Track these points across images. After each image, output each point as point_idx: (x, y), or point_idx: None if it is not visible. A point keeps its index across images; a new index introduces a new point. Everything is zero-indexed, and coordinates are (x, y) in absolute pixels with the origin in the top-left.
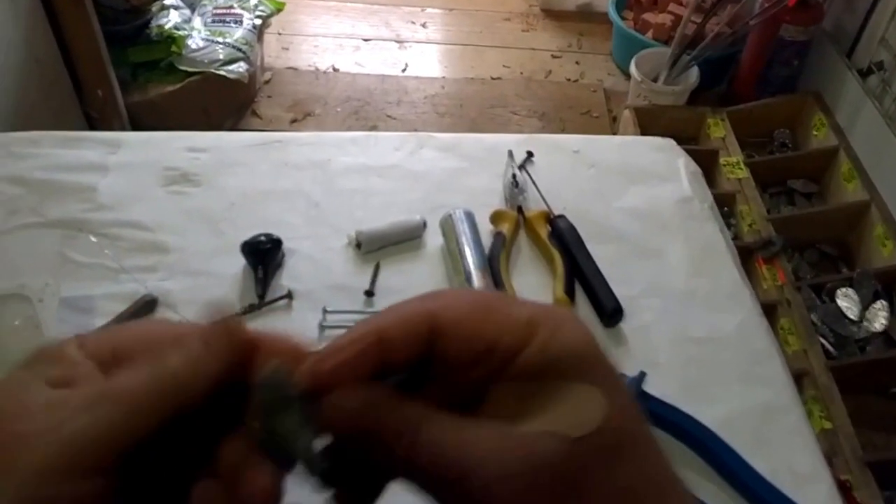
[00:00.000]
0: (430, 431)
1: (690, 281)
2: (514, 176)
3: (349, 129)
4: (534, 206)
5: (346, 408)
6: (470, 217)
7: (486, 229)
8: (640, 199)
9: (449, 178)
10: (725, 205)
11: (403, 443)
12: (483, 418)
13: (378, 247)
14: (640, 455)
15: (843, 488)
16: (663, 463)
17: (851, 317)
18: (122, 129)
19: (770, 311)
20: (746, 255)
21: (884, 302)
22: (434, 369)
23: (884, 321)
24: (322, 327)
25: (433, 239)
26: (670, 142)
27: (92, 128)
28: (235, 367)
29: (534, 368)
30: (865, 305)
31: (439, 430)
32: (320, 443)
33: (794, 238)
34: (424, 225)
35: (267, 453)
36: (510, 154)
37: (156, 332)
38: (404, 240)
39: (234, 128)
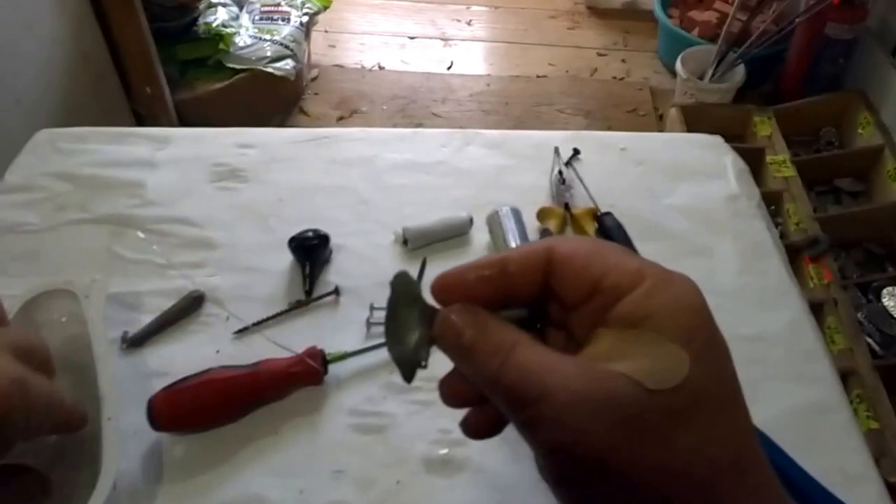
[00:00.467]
0: (522, 354)
1: (738, 279)
2: (560, 173)
3: (395, 126)
4: (580, 204)
5: (454, 321)
6: (516, 214)
7: (532, 226)
8: (688, 196)
9: (495, 175)
10: (772, 203)
11: (496, 361)
12: (577, 355)
13: (425, 243)
14: (721, 424)
15: (893, 490)
16: (749, 440)
17: None
18: (171, 126)
19: (816, 309)
20: (793, 254)
21: None
22: (549, 308)
23: None
24: (369, 324)
25: (480, 236)
26: (718, 139)
27: (140, 125)
28: None
29: (632, 316)
30: None
31: (531, 354)
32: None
33: (841, 237)
34: (471, 222)
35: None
36: (556, 151)
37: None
38: (451, 236)
39: (281, 125)
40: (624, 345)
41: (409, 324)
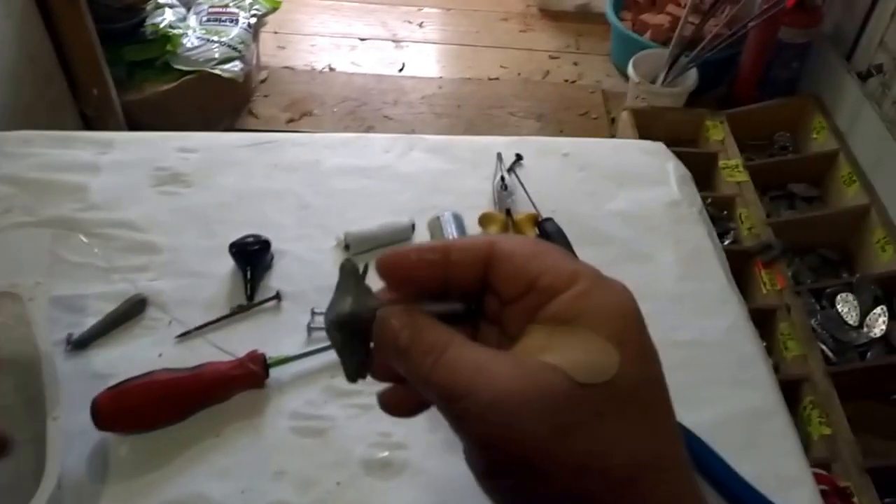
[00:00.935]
0: (453, 353)
1: (679, 285)
2: (502, 178)
3: (346, 129)
4: (522, 209)
5: (392, 324)
6: (458, 219)
7: (474, 232)
8: (630, 202)
9: (438, 180)
10: (725, 208)
11: (428, 361)
12: (510, 351)
13: (367, 248)
14: (646, 424)
15: (843, 495)
16: (672, 441)
17: (851, 322)
18: (118, 127)
19: (769, 315)
20: (746, 260)
21: (884, 307)
22: (484, 303)
23: (883, 327)
24: (310, 329)
25: (421, 241)
26: (660, 145)
27: (87, 126)
28: None
29: (565, 314)
30: (865, 311)
31: (462, 353)
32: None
33: (794, 242)
34: (413, 227)
35: (340, 327)
36: (499, 156)
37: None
38: (393, 241)
39: (230, 127)
40: (556, 339)
41: (358, 294)
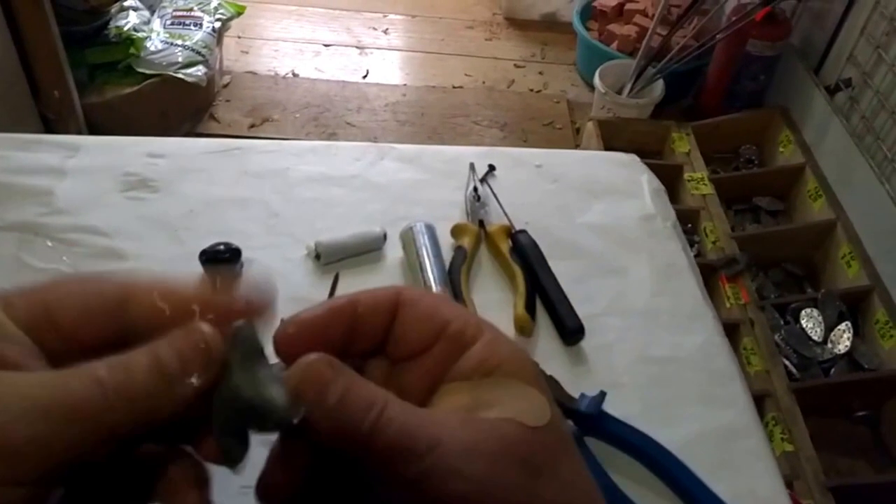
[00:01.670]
0: (396, 408)
1: (652, 300)
2: (475, 189)
3: (308, 135)
4: (495, 221)
5: (322, 373)
6: (430, 230)
7: (446, 243)
8: (603, 215)
9: (410, 190)
10: (689, 221)
11: (371, 415)
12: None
13: (337, 258)
14: (579, 461)
15: None
16: (588, 476)
17: (815, 338)
18: (79, 130)
19: (733, 330)
20: (710, 273)
21: (848, 324)
22: (368, 368)
23: (847, 343)
24: None
25: (393, 251)
26: (633, 157)
27: (48, 129)
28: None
29: (486, 364)
30: (830, 327)
31: (405, 408)
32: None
33: (759, 256)
34: (385, 237)
35: (234, 414)
36: (472, 167)
37: (91, 290)
38: (364, 252)
39: (191, 131)
40: (486, 394)
41: (261, 382)
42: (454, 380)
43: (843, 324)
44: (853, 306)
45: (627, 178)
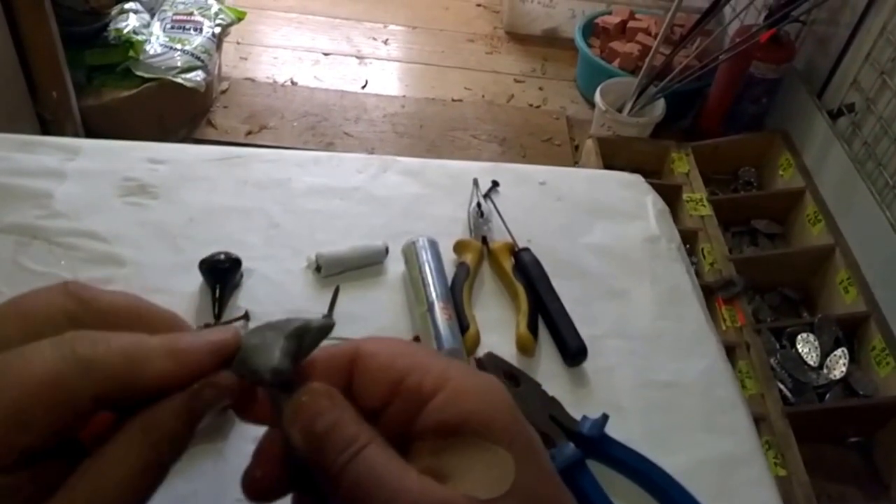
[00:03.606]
0: (373, 453)
1: (656, 323)
2: (479, 205)
3: (305, 144)
4: (498, 237)
5: (318, 405)
6: (433, 245)
7: (449, 259)
8: (607, 235)
9: (412, 204)
10: (687, 242)
11: (348, 452)
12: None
13: (338, 271)
14: None
15: None
16: None
17: (811, 363)
18: (76, 132)
19: (728, 353)
20: (706, 295)
21: (844, 350)
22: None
23: (843, 369)
24: None
25: (395, 266)
26: (638, 178)
27: (45, 130)
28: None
29: (448, 423)
30: (825, 352)
31: (383, 456)
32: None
33: (756, 280)
34: (387, 251)
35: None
36: (475, 182)
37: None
38: (365, 265)
39: (188, 136)
40: (444, 461)
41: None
42: (420, 438)
43: (840, 349)
44: (850, 332)
45: (632, 198)
